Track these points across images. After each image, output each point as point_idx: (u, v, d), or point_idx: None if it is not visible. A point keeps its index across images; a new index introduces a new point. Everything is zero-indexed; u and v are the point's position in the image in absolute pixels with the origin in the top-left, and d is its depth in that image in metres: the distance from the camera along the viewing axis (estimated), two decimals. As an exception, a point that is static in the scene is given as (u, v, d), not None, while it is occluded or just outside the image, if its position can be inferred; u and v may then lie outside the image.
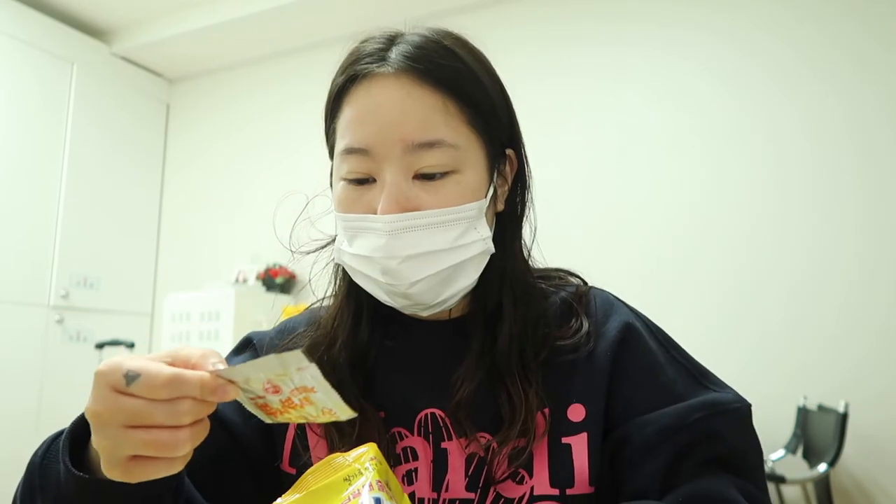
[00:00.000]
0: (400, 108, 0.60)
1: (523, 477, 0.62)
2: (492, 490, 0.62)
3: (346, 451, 0.51)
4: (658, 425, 0.60)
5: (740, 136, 2.80)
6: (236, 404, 0.54)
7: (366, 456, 0.48)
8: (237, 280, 3.55)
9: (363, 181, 0.62)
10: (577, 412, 0.63)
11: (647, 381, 0.64)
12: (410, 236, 0.60)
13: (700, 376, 0.65)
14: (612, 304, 0.70)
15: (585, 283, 0.74)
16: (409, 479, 0.64)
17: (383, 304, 0.66)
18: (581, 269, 0.76)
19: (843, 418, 2.14)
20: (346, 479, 0.48)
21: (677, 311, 2.72)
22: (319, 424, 0.65)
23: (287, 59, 3.88)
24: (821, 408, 2.36)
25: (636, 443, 0.60)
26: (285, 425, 0.68)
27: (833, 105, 2.67)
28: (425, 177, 0.61)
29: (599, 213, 2.99)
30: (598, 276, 0.78)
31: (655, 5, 3.03)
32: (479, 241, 0.62)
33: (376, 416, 0.65)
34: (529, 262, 0.72)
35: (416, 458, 0.64)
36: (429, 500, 0.63)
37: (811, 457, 2.32)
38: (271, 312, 3.35)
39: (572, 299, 0.69)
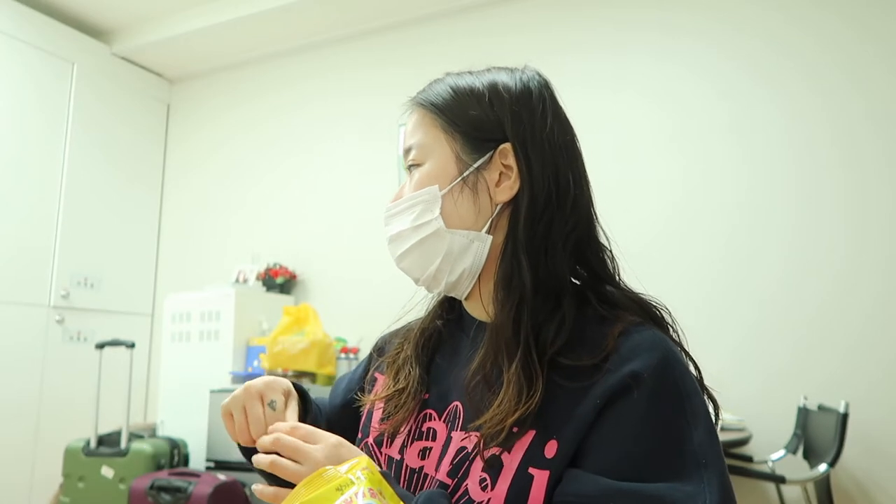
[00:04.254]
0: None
1: (487, 485, 0.62)
2: (464, 485, 0.64)
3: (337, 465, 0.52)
4: (581, 487, 0.58)
5: (730, 138, 2.81)
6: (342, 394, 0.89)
7: (357, 467, 0.49)
8: (237, 280, 3.55)
9: None
10: (551, 447, 0.61)
11: (616, 440, 0.59)
12: (392, 221, 0.75)
13: (687, 462, 0.57)
14: (647, 349, 0.62)
15: (647, 323, 0.68)
16: (422, 454, 0.72)
17: (458, 302, 0.79)
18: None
19: (844, 418, 2.13)
20: (337, 489, 0.48)
21: (673, 312, 2.71)
22: (384, 399, 0.78)
23: (288, 58, 3.88)
24: (821, 408, 2.35)
25: (560, 491, 0.59)
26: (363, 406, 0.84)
27: (819, 108, 2.68)
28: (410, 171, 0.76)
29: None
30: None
31: (650, 13, 3.03)
32: (433, 220, 0.71)
33: (420, 396, 0.75)
34: (610, 273, 0.75)
35: (434, 438, 0.71)
36: (431, 477, 0.69)
37: (811, 457, 2.32)
38: (271, 312, 3.35)
39: (609, 326, 0.65)
